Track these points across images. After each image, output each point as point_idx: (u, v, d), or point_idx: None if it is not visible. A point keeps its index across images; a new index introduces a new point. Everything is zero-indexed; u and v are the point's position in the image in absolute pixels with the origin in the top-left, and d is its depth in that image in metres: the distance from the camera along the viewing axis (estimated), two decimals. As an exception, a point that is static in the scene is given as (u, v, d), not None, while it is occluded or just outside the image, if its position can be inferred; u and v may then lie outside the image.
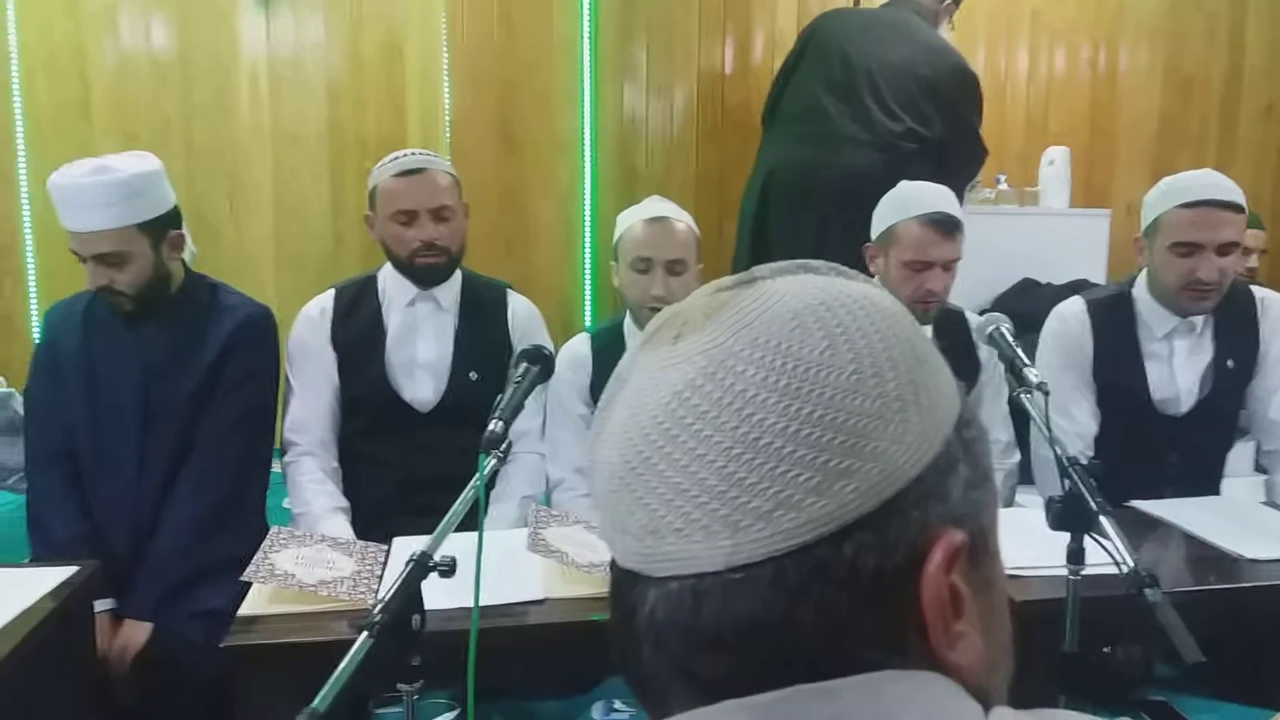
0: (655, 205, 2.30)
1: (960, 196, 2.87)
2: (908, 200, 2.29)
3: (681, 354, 0.49)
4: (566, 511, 1.94)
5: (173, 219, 2.07)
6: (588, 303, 3.43)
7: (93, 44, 3.03)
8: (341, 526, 2.07)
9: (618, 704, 2.00)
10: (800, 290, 0.50)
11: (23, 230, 3.04)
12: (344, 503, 2.15)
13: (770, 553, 0.45)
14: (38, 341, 2.16)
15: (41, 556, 1.99)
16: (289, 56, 3.16)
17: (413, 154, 2.23)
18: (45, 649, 1.57)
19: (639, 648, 0.49)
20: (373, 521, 2.08)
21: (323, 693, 1.09)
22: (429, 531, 1.31)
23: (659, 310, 2.20)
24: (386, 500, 2.15)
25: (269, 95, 3.17)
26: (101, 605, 1.93)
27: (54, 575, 1.71)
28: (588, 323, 3.36)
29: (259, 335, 2.14)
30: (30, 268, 3.06)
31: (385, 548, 1.81)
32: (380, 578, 1.67)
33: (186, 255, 2.25)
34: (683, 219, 2.28)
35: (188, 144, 3.11)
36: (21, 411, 2.16)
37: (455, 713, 1.83)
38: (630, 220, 2.27)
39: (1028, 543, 1.57)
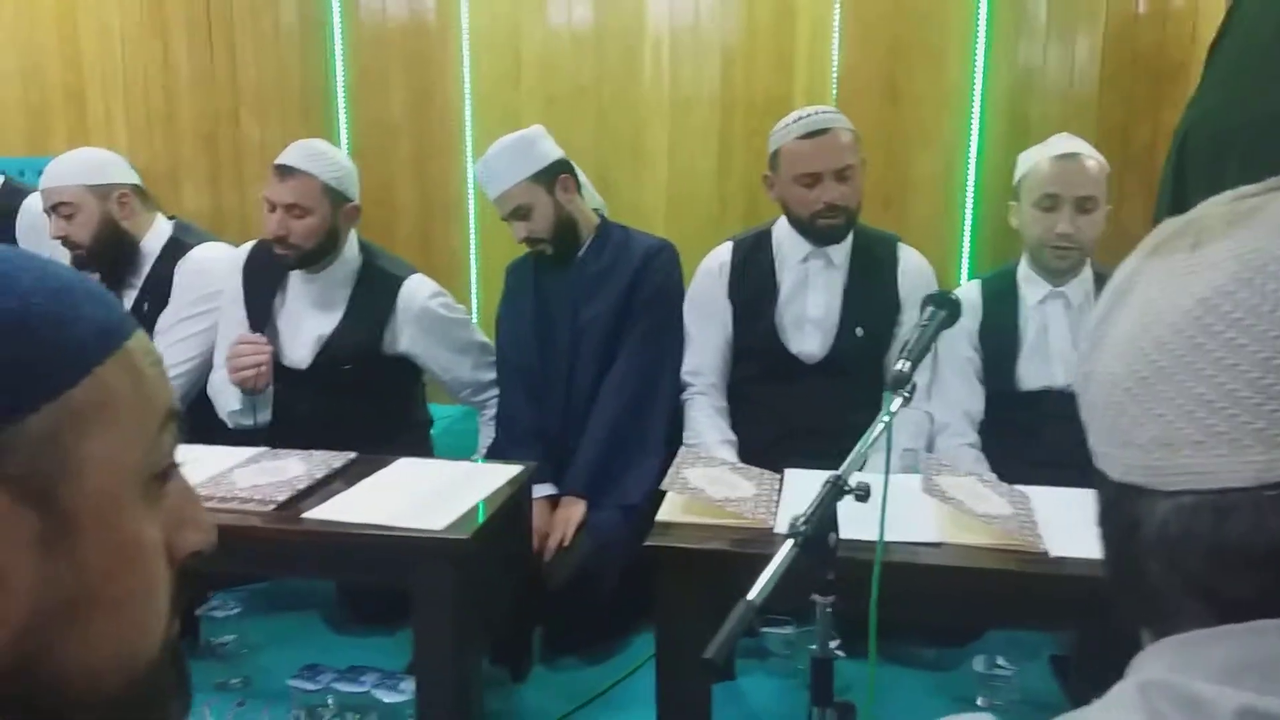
0: (1064, 142, 2.23)
1: None
2: None
3: (1205, 261, 0.46)
4: (956, 461, 1.94)
5: (560, 167, 2.39)
6: (965, 259, 3.33)
7: (525, 22, 3.45)
8: (730, 457, 2.22)
9: (1000, 660, 1.98)
10: None
11: (466, 186, 3.56)
12: (733, 436, 2.31)
13: None
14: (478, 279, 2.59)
15: (508, 446, 2.39)
16: (689, 24, 3.37)
17: (815, 113, 2.27)
18: (498, 530, 1.88)
19: (1143, 563, 0.47)
20: (757, 463, 2.21)
21: (757, 588, 1.20)
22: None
23: (1063, 250, 2.10)
24: (769, 444, 2.26)
25: (669, 62, 3.40)
26: (541, 491, 2.28)
27: (504, 471, 2.03)
28: (963, 280, 3.26)
29: (662, 262, 2.42)
30: (472, 217, 3.59)
31: (779, 475, 1.92)
32: (778, 502, 1.79)
33: (598, 204, 2.54)
34: (1094, 156, 2.20)
35: (598, 109, 3.44)
36: (476, 338, 2.62)
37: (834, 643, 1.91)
38: (1036, 158, 2.22)
39: None
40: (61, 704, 0.46)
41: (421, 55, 3.53)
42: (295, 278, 2.45)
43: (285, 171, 2.33)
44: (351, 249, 2.46)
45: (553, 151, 2.40)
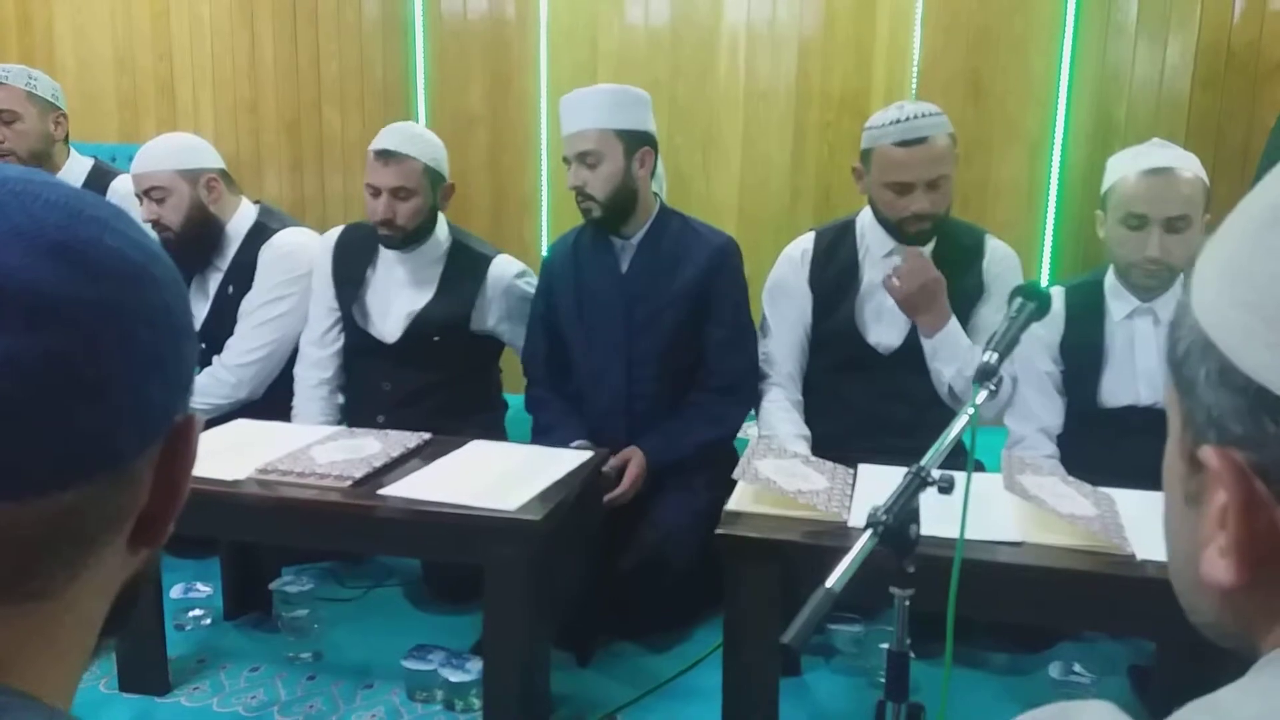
0: (1156, 153, 2.07)
1: None
2: None
3: None
4: (1040, 463, 1.89)
5: (647, 139, 2.30)
6: (1045, 262, 3.26)
7: (604, 17, 3.48)
8: (804, 452, 2.20)
9: (1077, 667, 1.92)
10: None
11: (540, 179, 3.60)
12: (806, 431, 2.28)
13: None
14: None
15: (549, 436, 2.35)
16: (766, 17, 3.37)
17: (916, 117, 2.16)
18: (569, 514, 1.89)
19: None
20: (829, 455, 2.18)
21: (836, 575, 1.18)
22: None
23: (1152, 271, 2.00)
24: (845, 435, 2.24)
25: (745, 56, 3.40)
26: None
27: (577, 456, 2.05)
28: (1044, 284, 3.19)
29: (735, 263, 2.37)
30: (544, 210, 3.62)
31: (852, 471, 1.90)
32: (851, 497, 1.76)
33: (657, 186, 2.46)
34: (1188, 167, 2.04)
35: (671, 103, 3.45)
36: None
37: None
38: (1125, 170, 2.07)
39: None
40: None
41: (500, 49, 3.58)
42: (387, 256, 2.51)
43: (387, 156, 2.37)
44: (442, 228, 2.53)
45: (649, 121, 2.33)
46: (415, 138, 2.43)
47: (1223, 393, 0.44)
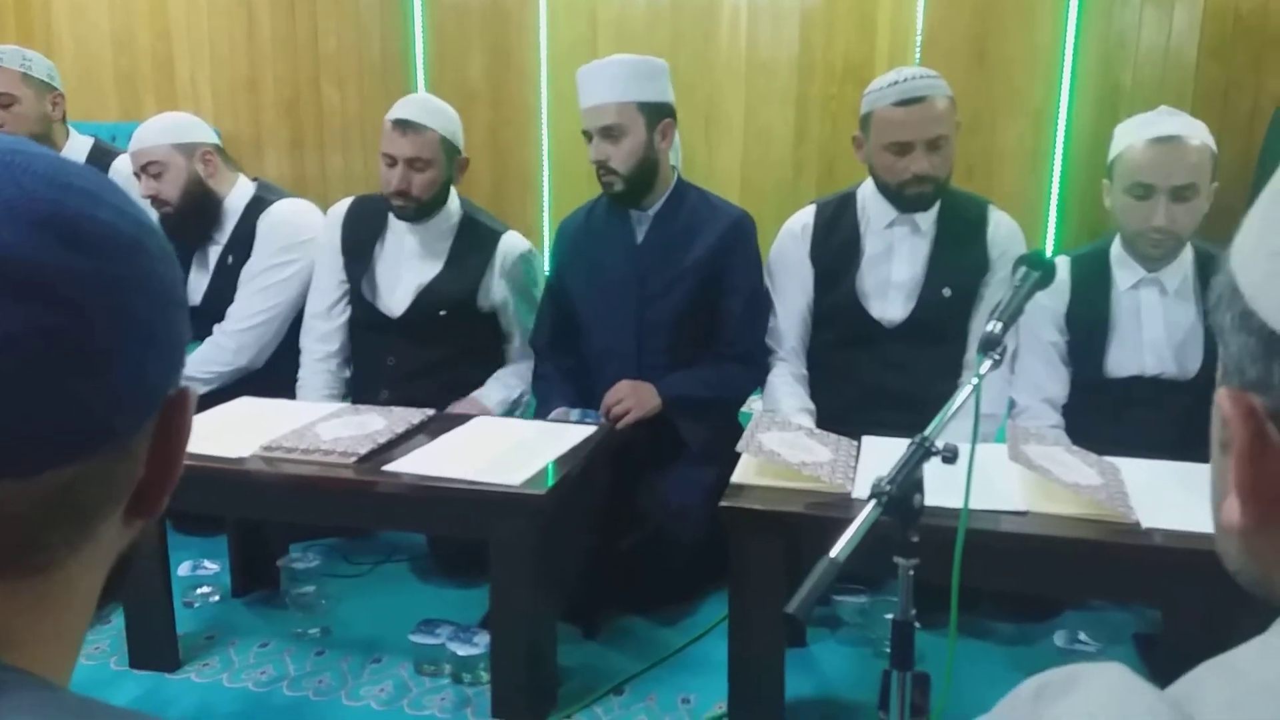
0: (1164, 121, 2.04)
1: None
2: None
3: None
4: (1044, 433, 1.88)
5: (668, 111, 2.29)
6: (1050, 230, 3.24)
7: (604, -10, 3.45)
8: (808, 424, 2.20)
9: (1082, 636, 1.93)
10: None
11: (541, 153, 3.58)
12: (811, 405, 2.28)
13: None
14: (550, 247, 2.56)
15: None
16: (768, -13, 3.33)
17: (912, 78, 2.15)
18: (574, 488, 1.89)
19: None
20: (833, 428, 2.18)
21: (840, 545, 1.18)
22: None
23: (1159, 240, 1.99)
24: (849, 410, 2.23)
25: (746, 27, 3.36)
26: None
27: (581, 430, 2.05)
28: (1047, 254, 3.17)
29: (748, 236, 2.35)
30: (545, 187, 3.60)
31: (856, 443, 1.90)
32: (855, 468, 1.76)
33: (674, 158, 2.43)
34: (1195, 135, 2.01)
35: (672, 75, 3.37)
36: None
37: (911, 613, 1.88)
38: (1131, 138, 2.05)
39: None
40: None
41: (499, 23, 3.55)
42: (397, 229, 2.49)
43: (405, 126, 2.35)
44: (453, 201, 2.51)
45: (668, 91, 2.31)
46: (433, 109, 2.41)
47: (1242, 337, 0.44)
